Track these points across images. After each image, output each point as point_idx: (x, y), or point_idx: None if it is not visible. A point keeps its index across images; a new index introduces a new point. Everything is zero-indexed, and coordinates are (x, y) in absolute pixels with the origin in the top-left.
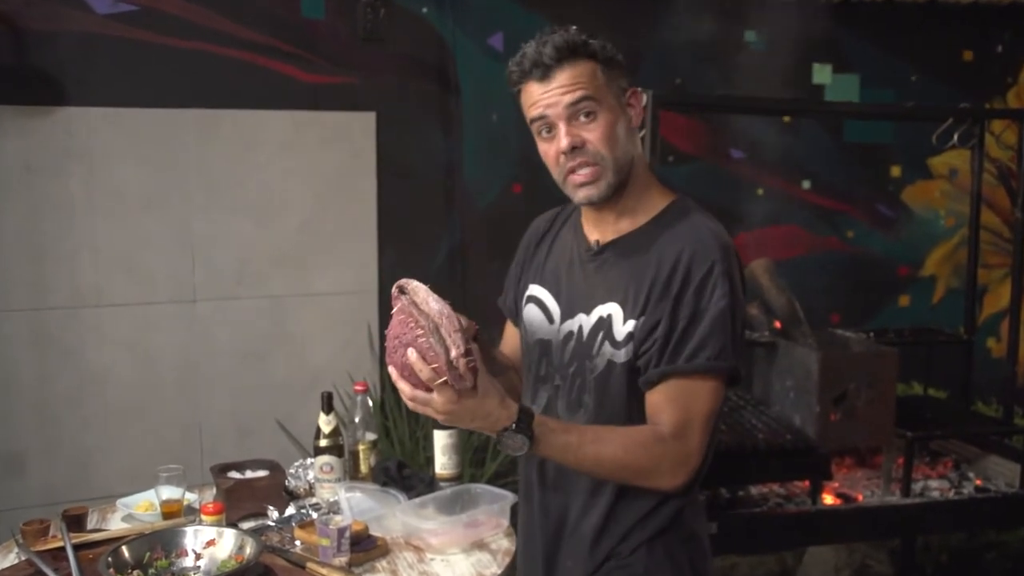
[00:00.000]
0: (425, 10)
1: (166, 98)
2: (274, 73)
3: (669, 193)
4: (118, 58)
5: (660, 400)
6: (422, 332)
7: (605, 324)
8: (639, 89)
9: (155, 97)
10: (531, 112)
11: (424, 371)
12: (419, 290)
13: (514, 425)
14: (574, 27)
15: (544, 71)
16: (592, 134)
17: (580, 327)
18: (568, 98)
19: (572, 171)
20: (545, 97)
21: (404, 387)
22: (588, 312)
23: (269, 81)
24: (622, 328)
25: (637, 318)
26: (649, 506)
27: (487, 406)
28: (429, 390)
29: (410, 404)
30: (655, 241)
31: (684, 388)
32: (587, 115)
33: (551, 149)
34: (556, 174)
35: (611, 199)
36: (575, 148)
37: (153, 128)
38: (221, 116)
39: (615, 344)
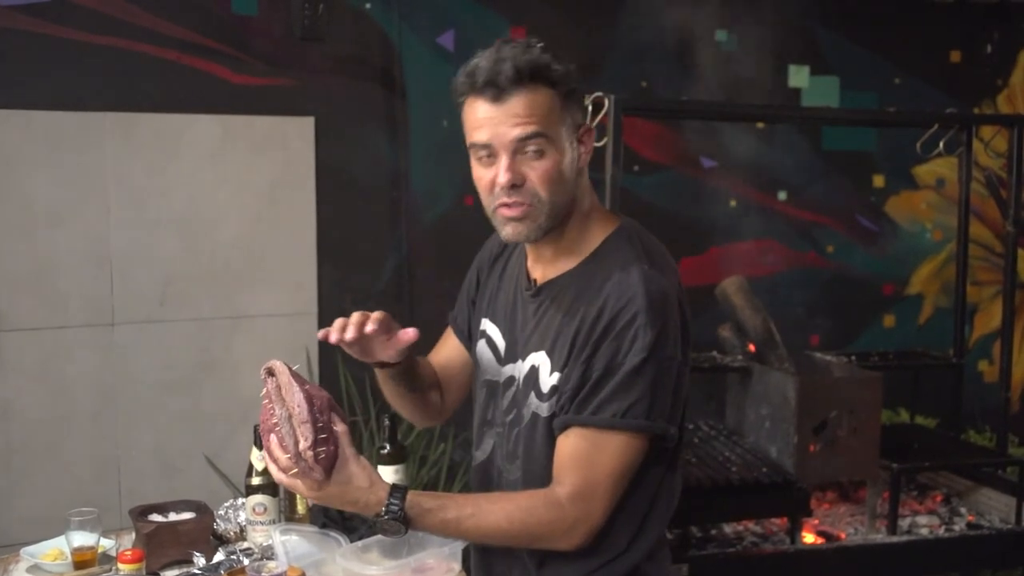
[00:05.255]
0: (369, 6)
1: (80, 100)
2: (201, 73)
3: (610, 222)
4: (25, 55)
5: (564, 455)
6: (277, 421)
7: (534, 374)
8: (592, 127)
9: (67, 99)
10: (474, 135)
11: (281, 459)
12: (283, 374)
13: (384, 511)
14: (539, 44)
15: (497, 93)
16: (535, 172)
17: (519, 373)
18: (519, 132)
19: (504, 204)
20: (493, 123)
21: (272, 470)
22: (524, 359)
23: (195, 82)
24: (548, 379)
25: (561, 371)
26: (599, 563)
27: (352, 493)
28: None
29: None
30: (585, 287)
31: (589, 442)
32: (535, 152)
33: (486, 176)
34: (486, 202)
35: (546, 238)
36: (514, 186)
37: (65, 133)
38: (141, 120)
39: (540, 396)
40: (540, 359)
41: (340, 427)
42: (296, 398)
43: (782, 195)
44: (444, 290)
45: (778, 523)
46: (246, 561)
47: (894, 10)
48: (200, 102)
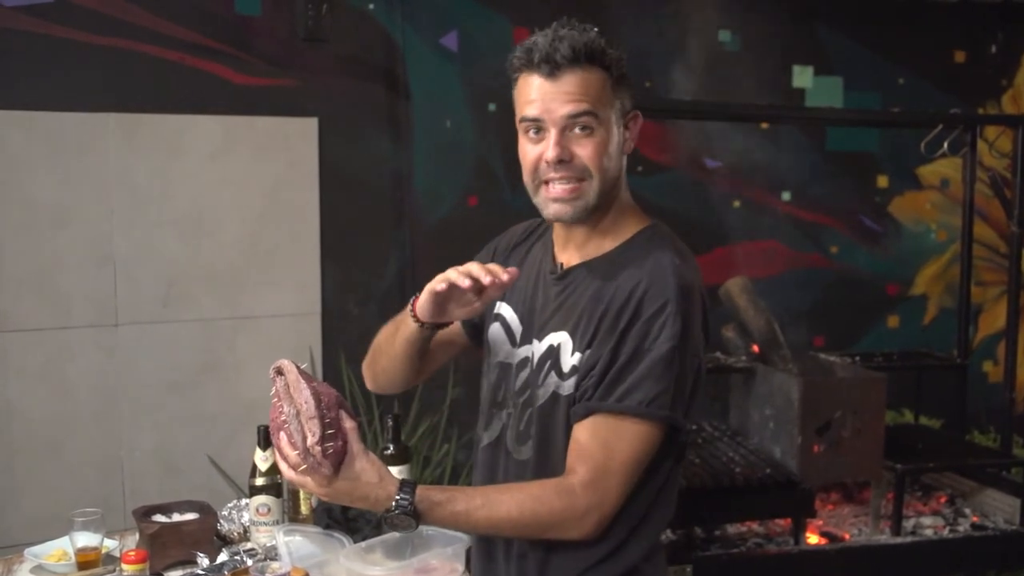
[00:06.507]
0: (372, 7)
1: (82, 100)
2: (203, 74)
3: (644, 219)
4: (28, 56)
5: (582, 442)
6: (285, 418)
7: (553, 353)
8: (639, 113)
9: (70, 99)
10: (524, 109)
11: (291, 456)
12: (291, 372)
13: (394, 505)
14: (595, 29)
15: (552, 69)
16: (584, 150)
17: (532, 353)
18: (570, 108)
19: (549, 183)
20: (545, 99)
21: (283, 468)
22: (540, 339)
23: (197, 83)
24: (569, 359)
25: (583, 351)
26: (598, 557)
27: (362, 489)
28: None
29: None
30: (616, 272)
31: (609, 429)
32: (583, 129)
33: (534, 152)
34: (529, 180)
35: (584, 221)
36: (561, 161)
37: (68, 133)
38: (144, 121)
39: (561, 375)
40: (561, 338)
41: (348, 423)
42: (303, 395)
43: (786, 196)
44: None
45: (782, 524)
46: (250, 562)
47: (898, 10)
48: (203, 103)
